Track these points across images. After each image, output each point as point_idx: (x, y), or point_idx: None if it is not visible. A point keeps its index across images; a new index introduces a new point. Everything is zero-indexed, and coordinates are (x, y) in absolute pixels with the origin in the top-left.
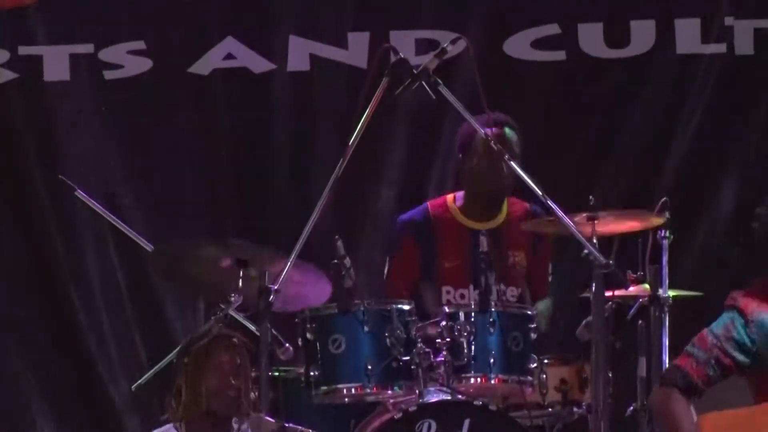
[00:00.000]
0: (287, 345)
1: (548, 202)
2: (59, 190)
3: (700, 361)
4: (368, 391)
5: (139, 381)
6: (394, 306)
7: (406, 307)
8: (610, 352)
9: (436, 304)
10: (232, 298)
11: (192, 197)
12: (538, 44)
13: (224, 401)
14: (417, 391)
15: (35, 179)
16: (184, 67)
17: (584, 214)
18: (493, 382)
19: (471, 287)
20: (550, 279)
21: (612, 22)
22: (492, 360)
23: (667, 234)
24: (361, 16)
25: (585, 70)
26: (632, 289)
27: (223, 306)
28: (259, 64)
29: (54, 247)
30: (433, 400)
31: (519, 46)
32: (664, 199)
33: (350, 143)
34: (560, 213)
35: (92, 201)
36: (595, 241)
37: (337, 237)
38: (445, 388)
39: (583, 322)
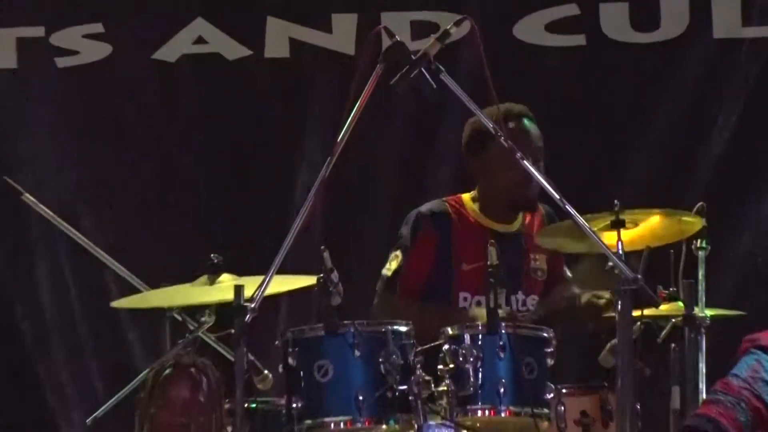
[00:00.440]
0: (266, 372)
1: (567, 207)
2: (3, 193)
3: (728, 405)
4: (359, 425)
5: (95, 414)
6: (389, 327)
7: (403, 329)
8: (639, 380)
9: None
10: (204, 318)
11: (158, 200)
12: (554, 27)
13: None
14: (416, 426)
15: None
16: (148, 53)
17: (608, 221)
18: (503, 414)
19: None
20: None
21: (639, 1)
22: (502, 389)
23: (704, 244)
24: None
25: (608, 56)
26: (664, 308)
27: (193, 327)
28: (233, 50)
29: None
30: None
31: (532, 29)
32: (700, 203)
33: (339, 140)
34: (581, 220)
35: (42, 206)
36: (621, 252)
37: (323, 247)
38: (447, 422)
39: (608, 345)
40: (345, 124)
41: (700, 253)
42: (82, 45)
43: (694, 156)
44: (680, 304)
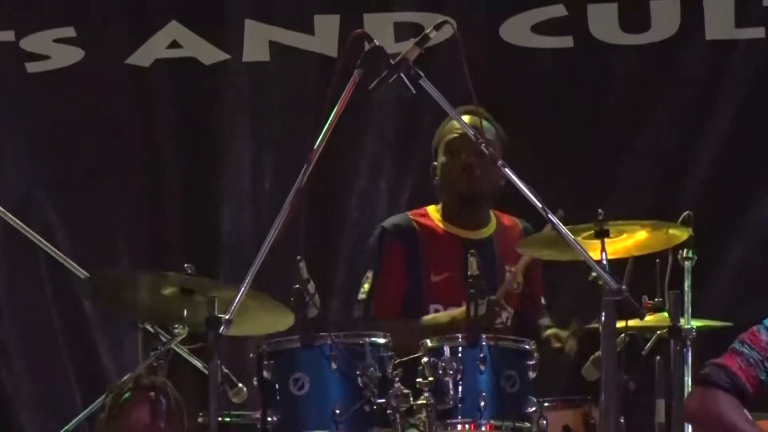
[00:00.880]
0: (240, 385)
1: (549, 216)
2: None
3: (750, 361)
4: None
5: (67, 427)
6: (366, 339)
7: (381, 341)
8: (623, 393)
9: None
10: (177, 330)
11: (131, 209)
12: (541, 28)
13: None
14: None
15: None
16: (121, 58)
17: (592, 230)
18: (483, 428)
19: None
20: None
21: (628, 1)
22: (482, 403)
23: (690, 254)
24: None
25: (596, 58)
26: (649, 319)
27: (165, 339)
28: (210, 54)
29: None
30: None
31: (518, 30)
32: (687, 212)
33: (316, 147)
34: (563, 229)
35: (8, 215)
36: (605, 262)
37: (299, 258)
38: None
39: (591, 358)
40: (322, 130)
41: (687, 263)
42: (53, 50)
43: (685, 162)
44: (666, 315)
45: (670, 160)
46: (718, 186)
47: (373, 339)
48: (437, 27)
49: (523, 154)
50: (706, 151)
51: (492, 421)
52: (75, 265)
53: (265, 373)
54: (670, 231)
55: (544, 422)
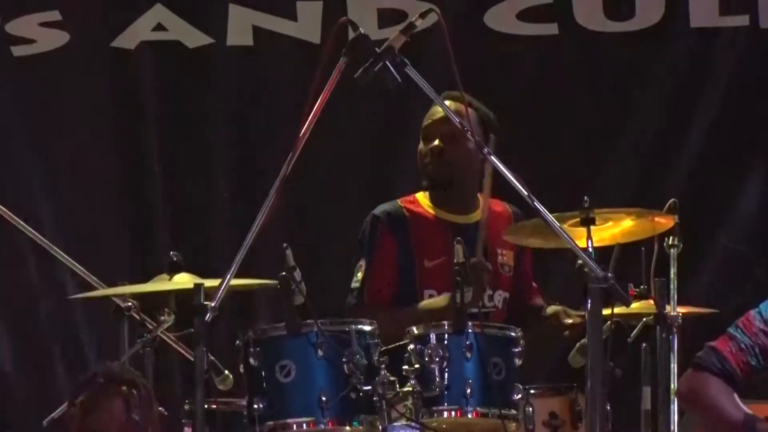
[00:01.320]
0: (227, 372)
1: (535, 203)
2: None
3: (742, 346)
4: (322, 426)
5: (52, 415)
6: (353, 327)
7: (367, 328)
8: (609, 380)
9: None
10: (163, 318)
11: (116, 194)
12: (526, 15)
13: None
14: (380, 427)
15: None
16: (106, 41)
17: (578, 218)
18: (470, 416)
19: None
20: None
21: None
22: (469, 390)
23: (676, 242)
24: None
25: (581, 46)
26: (635, 307)
27: (151, 327)
28: (194, 38)
29: None
30: None
31: (503, 17)
32: (672, 200)
33: (301, 135)
34: (549, 217)
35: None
36: (590, 249)
37: (285, 245)
38: (413, 424)
39: (577, 345)
40: (307, 119)
41: (672, 251)
42: (39, 33)
43: (670, 150)
44: (651, 302)
45: (655, 147)
46: (704, 174)
47: (359, 326)
48: (423, 15)
49: (508, 142)
50: (692, 138)
51: (478, 409)
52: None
53: (251, 361)
54: (656, 219)
55: (531, 409)
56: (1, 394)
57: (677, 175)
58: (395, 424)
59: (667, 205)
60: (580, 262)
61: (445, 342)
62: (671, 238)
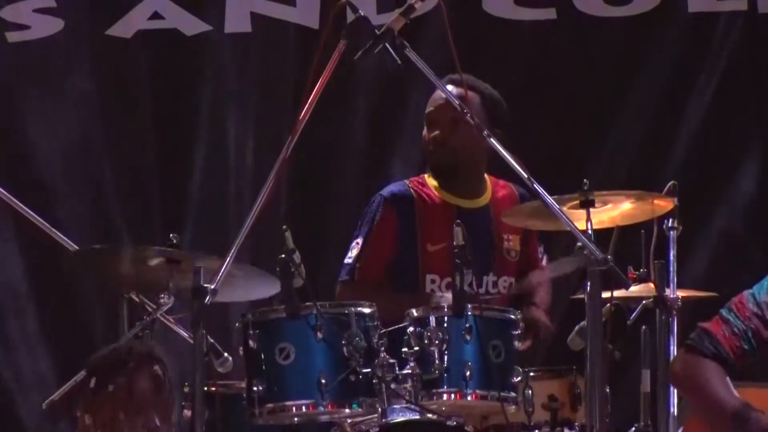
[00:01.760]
0: (226, 355)
1: (534, 185)
2: None
3: (735, 330)
4: (322, 409)
5: (51, 397)
6: (352, 309)
7: (367, 311)
8: (608, 363)
9: None
10: (162, 300)
11: (111, 182)
12: (524, 0)
13: None
14: (379, 410)
15: None
16: (102, 29)
17: (578, 200)
18: (469, 398)
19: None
20: (543, 263)
21: None
22: (468, 373)
23: (675, 224)
24: None
25: (579, 31)
26: (634, 289)
27: (151, 309)
28: (192, 25)
29: None
30: (399, 419)
31: (501, 2)
32: (672, 182)
33: (300, 118)
34: (549, 199)
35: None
36: (590, 232)
37: (285, 227)
38: (412, 406)
39: (576, 327)
40: (306, 102)
41: (672, 233)
42: (33, 19)
43: (668, 134)
44: (651, 285)
45: (654, 130)
46: (703, 156)
47: (358, 309)
48: None
49: (507, 126)
50: (690, 121)
51: (478, 391)
52: (64, 237)
53: (250, 343)
54: (656, 201)
55: (530, 392)
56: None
57: (676, 158)
58: (395, 406)
59: (666, 188)
60: (579, 244)
61: (445, 325)
62: (671, 220)
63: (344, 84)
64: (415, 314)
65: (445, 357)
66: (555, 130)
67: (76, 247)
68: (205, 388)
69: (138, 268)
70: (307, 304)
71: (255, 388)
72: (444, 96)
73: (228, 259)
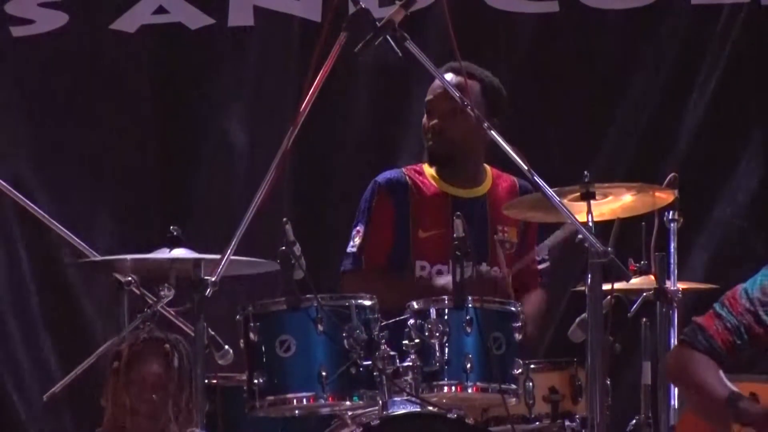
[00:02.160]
0: (227, 347)
1: (534, 177)
2: None
3: (728, 326)
4: (322, 401)
5: (53, 390)
6: (352, 302)
7: (367, 303)
8: (609, 355)
9: None
10: (163, 292)
11: (115, 176)
12: None
13: (140, 420)
14: (380, 402)
15: None
16: (106, 23)
17: (578, 192)
18: (470, 391)
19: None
20: (541, 267)
21: None
22: (469, 365)
23: (676, 216)
24: None
25: (582, 23)
26: (635, 282)
27: (151, 301)
28: (195, 19)
29: None
30: (400, 412)
31: None
32: (672, 174)
33: (301, 110)
34: (549, 191)
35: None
36: (591, 224)
37: (285, 220)
38: (413, 399)
39: (577, 320)
40: (307, 93)
41: (672, 226)
42: (38, 14)
43: (670, 126)
44: (652, 277)
45: (655, 122)
46: (705, 149)
47: (359, 301)
48: None
49: (509, 118)
50: (692, 113)
51: (478, 383)
52: (82, 243)
53: (251, 336)
54: (656, 193)
55: (531, 384)
56: (7, 368)
57: (677, 150)
58: (395, 398)
59: (667, 180)
60: (580, 236)
61: (445, 317)
62: (671, 212)
63: (345, 76)
64: (416, 306)
65: (446, 349)
66: (556, 122)
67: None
68: (206, 381)
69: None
70: (307, 296)
71: (255, 381)
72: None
73: (229, 250)
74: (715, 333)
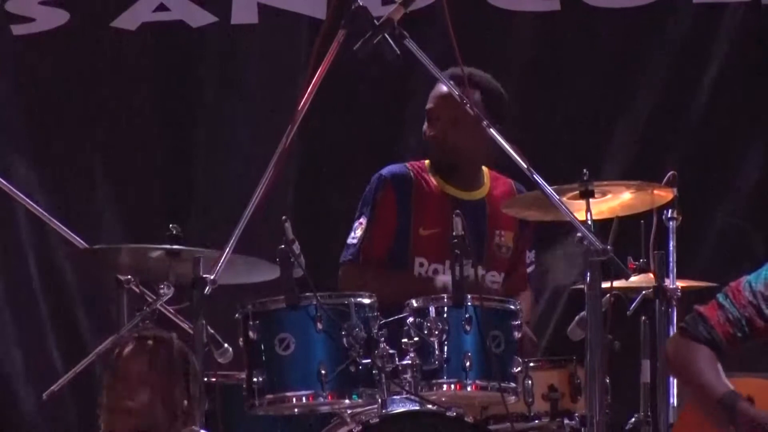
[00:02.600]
0: (226, 345)
1: (534, 176)
2: None
3: (729, 317)
4: (322, 399)
5: (52, 388)
6: (352, 300)
7: (367, 301)
8: (608, 353)
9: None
10: (162, 291)
11: (116, 176)
12: None
13: (131, 420)
14: (379, 400)
15: None
16: (107, 21)
17: (577, 191)
18: (469, 389)
19: (447, 264)
20: (529, 270)
21: None
22: (468, 363)
23: (675, 214)
24: None
25: (584, 22)
26: (634, 280)
27: (151, 299)
28: (198, 17)
29: None
30: (399, 410)
31: None
32: (671, 172)
33: (300, 108)
34: (548, 190)
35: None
36: (590, 222)
37: (284, 218)
38: (412, 397)
39: (576, 318)
40: (305, 92)
41: (671, 224)
42: (39, 12)
43: (671, 124)
44: (651, 275)
45: (656, 121)
46: (705, 147)
47: (358, 300)
48: None
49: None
50: (693, 112)
51: (478, 382)
52: (74, 235)
53: (250, 334)
54: (655, 191)
55: (530, 382)
56: (6, 366)
57: (677, 148)
58: (395, 397)
59: (666, 178)
60: (579, 235)
61: (445, 315)
62: (670, 210)
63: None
64: (415, 305)
65: (445, 347)
66: (558, 120)
67: (85, 244)
68: (205, 379)
69: (138, 259)
70: (306, 294)
71: (255, 379)
72: (442, 93)
73: (228, 248)
74: (716, 324)
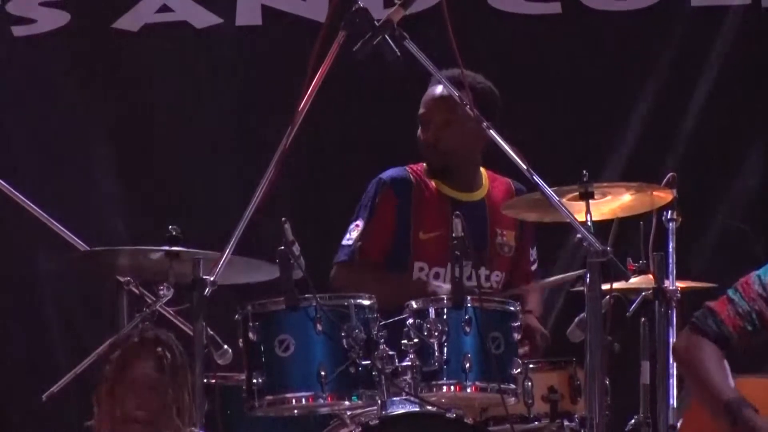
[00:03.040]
0: (226, 347)
1: (534, 177)
2: None
3: (739, 311)
4: (321, 401)
5: (51, 390)
6: (351, 301)
7: (366, 303)
8: (608, 355)
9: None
10: (162, 292)
11: (117, 178)
12: None
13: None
14: (379, 402)
15: None
16: (109, 22)
17: (577, 192)
18: (469, 390)
19: (449, 267)
20: (533, 268)
21: None
22: (468, 365)
23: (675, 216)
24: None
25: (584, 24)
26: (633, 281)
27: (150, 300)
28: (202, 18)
29: None
30: (399, 412)
31: None
32: (671, 174)
33: (299, 109)
34: (548, 191)
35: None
36: (589, 224)
37: (284, 219)
38: (412, 398)
39: (576, 319)
40: (306, 93)
41: (671, 225)
42: (40, 13)
43: (670, 126)
44: (650, 277)
45: (656, 123)
46: (703, 149)
47: (358, 301)
48: None
49: (509, 119)
50: (692, 114)
51: (477, 383)
52: (75, 237)
53: (250, 335)
54: (655, 193)
55: (529, 384)
56: (4, 368)
57: (677, 150)
58: (394, 398)
59: (665, 179)
60: (579, 236)
61: (444, 316)
62: (670, 212)
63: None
64: (415, 306)
65: (445, 349)
66: (558, 122)
67: (86, 246)
68: (205, 381)
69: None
70: (306, 296)
71: (255, 380)
72: (434, 96)
73: (228, 249)
74: (726, 318)
